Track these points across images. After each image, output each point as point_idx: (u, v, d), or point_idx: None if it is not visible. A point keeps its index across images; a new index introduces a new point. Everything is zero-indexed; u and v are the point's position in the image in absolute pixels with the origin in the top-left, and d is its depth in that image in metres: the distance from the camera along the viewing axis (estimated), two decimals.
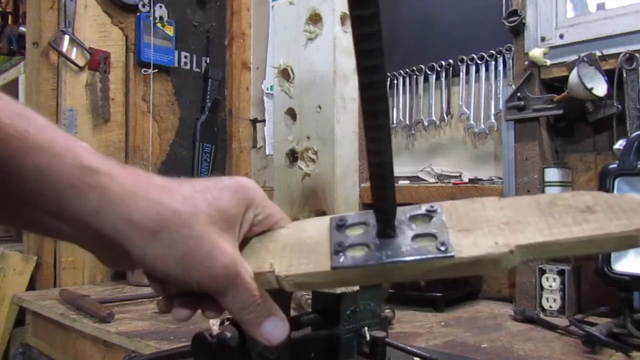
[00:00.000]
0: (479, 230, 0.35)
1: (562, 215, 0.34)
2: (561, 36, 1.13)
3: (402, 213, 0.37)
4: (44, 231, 0.36)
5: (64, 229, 0.34)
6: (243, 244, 0.40)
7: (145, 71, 1.71)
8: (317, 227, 0.40)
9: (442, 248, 0.34)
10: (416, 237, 0.36)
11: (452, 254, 0.33)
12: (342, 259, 0.36)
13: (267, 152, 1.92)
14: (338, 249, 0.37)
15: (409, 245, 0.35)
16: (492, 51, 1.34)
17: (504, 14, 1.19)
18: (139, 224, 0.34)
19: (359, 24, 0.27)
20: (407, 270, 0.35)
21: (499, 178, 1.29)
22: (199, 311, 0.39)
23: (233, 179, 0.40)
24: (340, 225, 0.39)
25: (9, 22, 2.16)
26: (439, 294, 1.14)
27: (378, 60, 0.28)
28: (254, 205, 0.40)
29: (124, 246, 0.34)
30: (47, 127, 0.33)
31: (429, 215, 0.37)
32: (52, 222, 0.34)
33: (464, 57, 1.39)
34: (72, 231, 0.34)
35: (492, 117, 1.34)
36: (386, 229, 0.36)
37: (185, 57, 1.85)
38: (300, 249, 0.39)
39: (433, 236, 0.35)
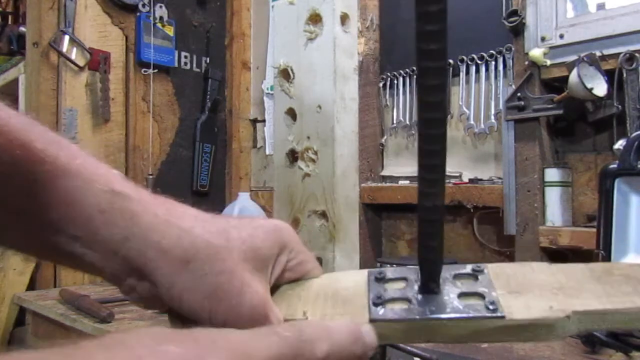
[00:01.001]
0: (530, 293, 0.33)
1: (620, 285, 0.32)
2: (561, 36, 1.13)
3: (446, 270, 0.35)
4: (69, 260, 0.35)
5: (90, 257, 0.34)
6: (273, 290, 0.38)
7: (145, 71, 1.71)
8: (353, 280, 0.38)
9: (492, 307, 0.32)
10: (462, 295, 0.34)
11: (503, 314, 0.32)
12: (381, 312, 0.34)
13: (267, 152, 1.92)
14: (377, 301, 0.35)
15: (454, 303, 0.33)
16: (492, 51, 1.34)
17: (504, 14, 1.19)
18: (170, 252, 0.33)
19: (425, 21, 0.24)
20: (453, 329, 0.33)
21: (499, 178, 1.29)
22: None
23: (269, 220, 0.39)
24: (379, 279, 0.37)
25: (9, 22, 2.16)
26: None
27: (439, 97, 0.26)
28: (288, 248, 0.38)
29: (151, 275, 0.33)
30: (79, 154, 0.33)
31: (474, 274, 0.35)
32: (80, 250, 0.34)
33: (464, 57, 1.39)
34: (99, 259, 0.34)
35: (492, 117, 1.34)
36: (430, 284, 0.34)
37: (185, 57, 1.85)
38: (336, 299, 0.37)
39: (480, 295, 0.33)
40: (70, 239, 0.33)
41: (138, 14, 1.69)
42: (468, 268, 0.36)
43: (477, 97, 1.38)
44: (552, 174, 1.13)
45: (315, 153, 0.72)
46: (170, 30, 1.77)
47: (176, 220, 0.34)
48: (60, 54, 1.50)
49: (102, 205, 0.32)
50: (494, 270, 0.35)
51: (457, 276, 0.35)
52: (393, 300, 0.35)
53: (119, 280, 0.35)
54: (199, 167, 1.85)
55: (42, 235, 0.33)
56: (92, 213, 0.32)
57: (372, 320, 0.33)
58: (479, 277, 0.35)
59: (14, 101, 1.80)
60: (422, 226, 0.32)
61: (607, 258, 0.87)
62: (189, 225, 0.34)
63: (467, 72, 1.40)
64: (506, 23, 1.17)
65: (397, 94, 1.54)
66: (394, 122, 1.54)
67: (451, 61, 1.42)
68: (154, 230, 0.33)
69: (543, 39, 1.14)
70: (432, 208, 0.30)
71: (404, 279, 0.36)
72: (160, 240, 0.33)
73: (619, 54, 1.04)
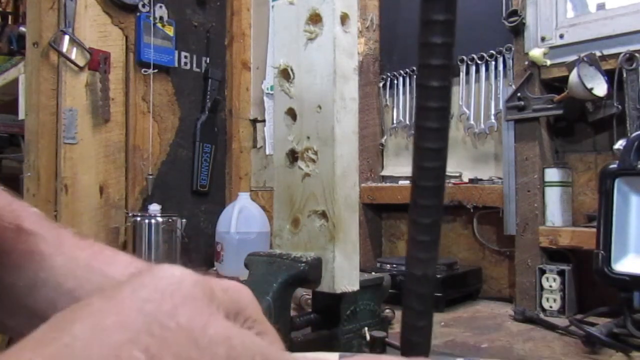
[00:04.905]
0: None
1: None
2: (561, 36, 1.13)
3: None
4: None
5: None
6: None
7: (145, 71, 1.71)
8: None
9: None
10: None
11: None
12: None
13: (267, 152, 1.92)
14: None
15: None
16: (492, 51, 1.34)
17: (504, 14, 1.19)
18: None
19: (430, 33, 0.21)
20: None
21: (499, 178, 1.29)
22: None
23: (226, 280, 0.30)
24: None
25: (9, 22, 2.16)
26: (439, 294, 1.14)
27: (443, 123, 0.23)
28: (243, 315, 0.29)
29: None
30: None
31: None
32: None
33: (464, 57, 1.39)
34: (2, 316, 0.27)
35: (492, 117, 1.34)
36: None
37: (185, 57, 1.85)
38: None
39: None
40: None
41: (138, 14, 1.69)
42: None
43: (477, 97, 1.38)
44: (552, 174, 1.13)
45: (315, 153, 0.72)
46: (170, 30, 1.77)
47: (100, 266, 0.28)
48: (60, 54, 1.50)
49: (5, 246, 0.26)
50: None
51: None
52: None
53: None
54: (199, 167, 1.85)
55: None
56: None
57: None
58: None
59: (14, 101, 1.80)
60: (409, 300, 0.25)
61: (607, 258, 0.87)
62: (117, 273, 0.28)
63: (467, 72, 1.39)
64: (506, 23, 1.17)
65: (397, 94, 1.54)
66: (394, 122, 1.54)
67: None
68: (68, 276, 0.27)
69: (543, 39, 1.14)
70: (422, 277, 0.24)
71: None
72: (75, 288, 0.27)
73: (619, 54, 1.04)
